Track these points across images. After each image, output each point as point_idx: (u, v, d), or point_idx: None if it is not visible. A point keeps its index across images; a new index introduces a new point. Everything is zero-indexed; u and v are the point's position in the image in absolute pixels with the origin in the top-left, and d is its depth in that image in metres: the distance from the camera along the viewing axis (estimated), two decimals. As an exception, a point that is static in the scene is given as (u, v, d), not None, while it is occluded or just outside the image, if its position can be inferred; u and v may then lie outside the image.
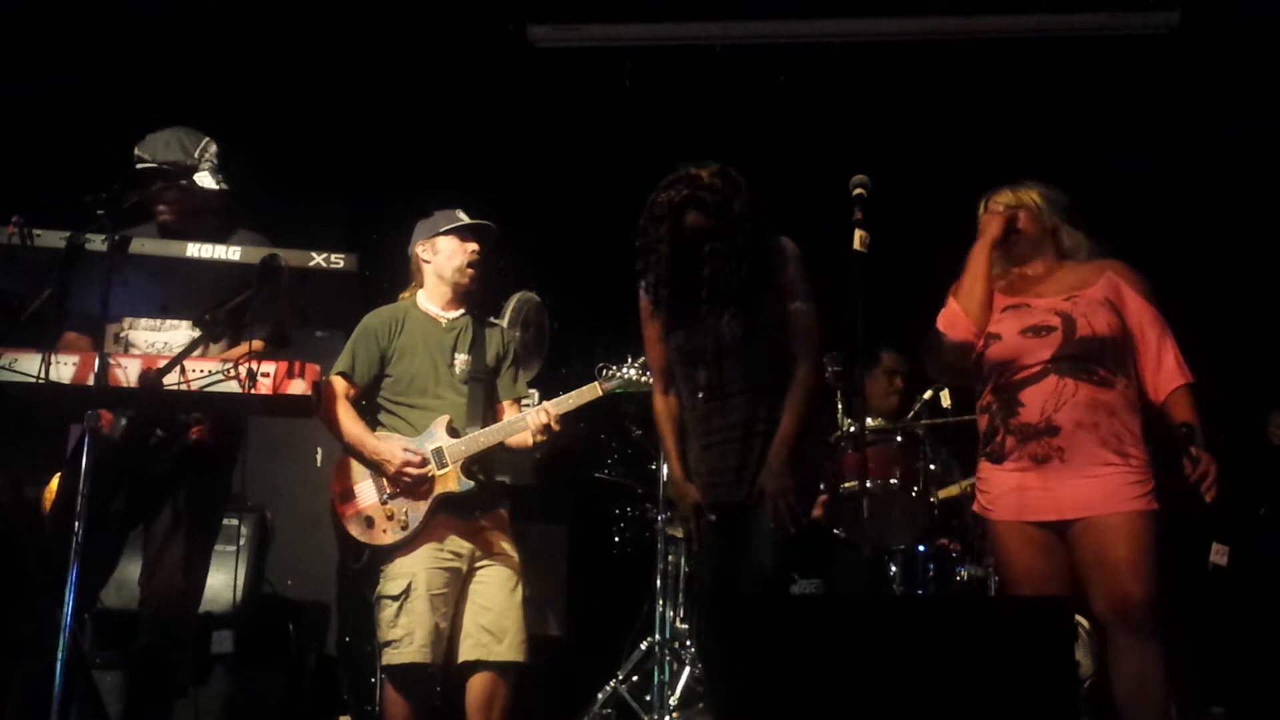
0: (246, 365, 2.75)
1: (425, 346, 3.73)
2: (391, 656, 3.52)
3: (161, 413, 3.17)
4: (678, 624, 4.65)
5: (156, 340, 3.26)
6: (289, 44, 5.49)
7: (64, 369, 2.73)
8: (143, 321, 3.31)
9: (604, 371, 3.80)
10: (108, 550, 3.22)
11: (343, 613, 4.78)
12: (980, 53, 5.52)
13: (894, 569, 4.50)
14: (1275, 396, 5.07)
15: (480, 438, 3.66)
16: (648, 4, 5.58)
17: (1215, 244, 5.38)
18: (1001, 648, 2.37)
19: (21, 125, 5.01)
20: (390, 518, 3.60)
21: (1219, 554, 4.18)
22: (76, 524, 2.59)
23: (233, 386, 2.76)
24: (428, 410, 3.67)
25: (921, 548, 4.59)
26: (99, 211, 2.79)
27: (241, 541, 4.07)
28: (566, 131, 5.79)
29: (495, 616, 3.60)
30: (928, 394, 4.70)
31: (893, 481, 4.46)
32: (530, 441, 3.69)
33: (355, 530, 3.62)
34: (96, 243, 2.74)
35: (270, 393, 2.78)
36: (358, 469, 3.66)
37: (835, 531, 4.45)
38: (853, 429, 4.53)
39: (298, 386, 2.82)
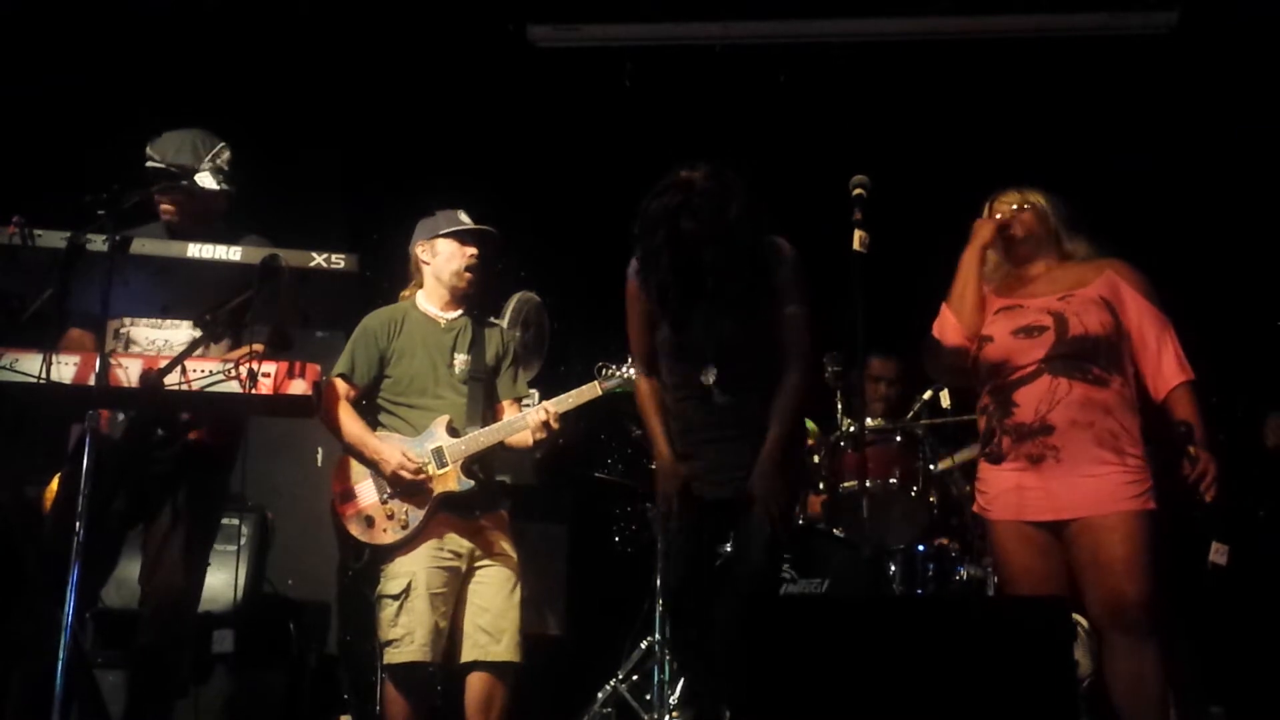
0: (247, 365, 2.75)
1: (425, 347, 3.73)
2: (392, 656, 3.53)
3: (162, 413, 3.17)
4: (678, 624, 4.64)
5: (157, 338, 3.26)
6: (289, 44, 5.49)
7: (65, 369, 2.74)
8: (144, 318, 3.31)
9: (604, 371, 3.81)
10: (108, 550, 3.22)
11: (343, 612, 4.78)
12: (980, 53, 5.51)
13: (894, 569, 4.49)
14: (1275, 396, 5.06)
15: (480, 437, 3.66)
16: (648, 4, 5.57)
17: (1215, 244, 5.38)
18: (1001, 648, 2.37)
19: (21, 125, 5.01)
20: (390, 517, 3.60)
21: (1219, 553, 4.17)
22: (77, 524, 2.60)
23: (233, 386, 2.77)
24: (428, 410, 3.68)
25: (921, 548, 4.59)
26: (99, 211, 2.80)
27: (242, 541, 4.07)
28: (566, 131, 5.78)
29: (493, 617, 3.61)
30: (928, 394, 4.70)
31: (892, 481, 4.46)
32: (530, 441, 3.70)
33: (355, 530, 3.62)
34: (97, 243, 2.74)
35: (271, 393, 2.79)
36: (358, 469, 3.66)
37: (835, 531, 4.45)
38: (853, 429, 4.53)
39: (298, 387, 2.83)
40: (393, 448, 3.59)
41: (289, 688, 4.39)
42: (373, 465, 3.62)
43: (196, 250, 2.84)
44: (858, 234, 3.05)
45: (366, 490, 3.64)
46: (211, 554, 3.44)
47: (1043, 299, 3.27)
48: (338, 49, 5.55)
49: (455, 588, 3.61)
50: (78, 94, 5.15)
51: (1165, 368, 3.18)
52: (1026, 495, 3.16)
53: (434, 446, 3.63)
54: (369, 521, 3.61)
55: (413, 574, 3.55)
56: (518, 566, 3.72)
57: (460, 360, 3.75)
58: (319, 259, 2.85)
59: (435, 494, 3.61)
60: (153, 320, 3.29)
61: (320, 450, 4.84)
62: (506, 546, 3.72)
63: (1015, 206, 3.36)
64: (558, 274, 5.53)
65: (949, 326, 3.34)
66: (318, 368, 2.91)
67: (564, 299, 5.35)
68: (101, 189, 2.84)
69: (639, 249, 3.18)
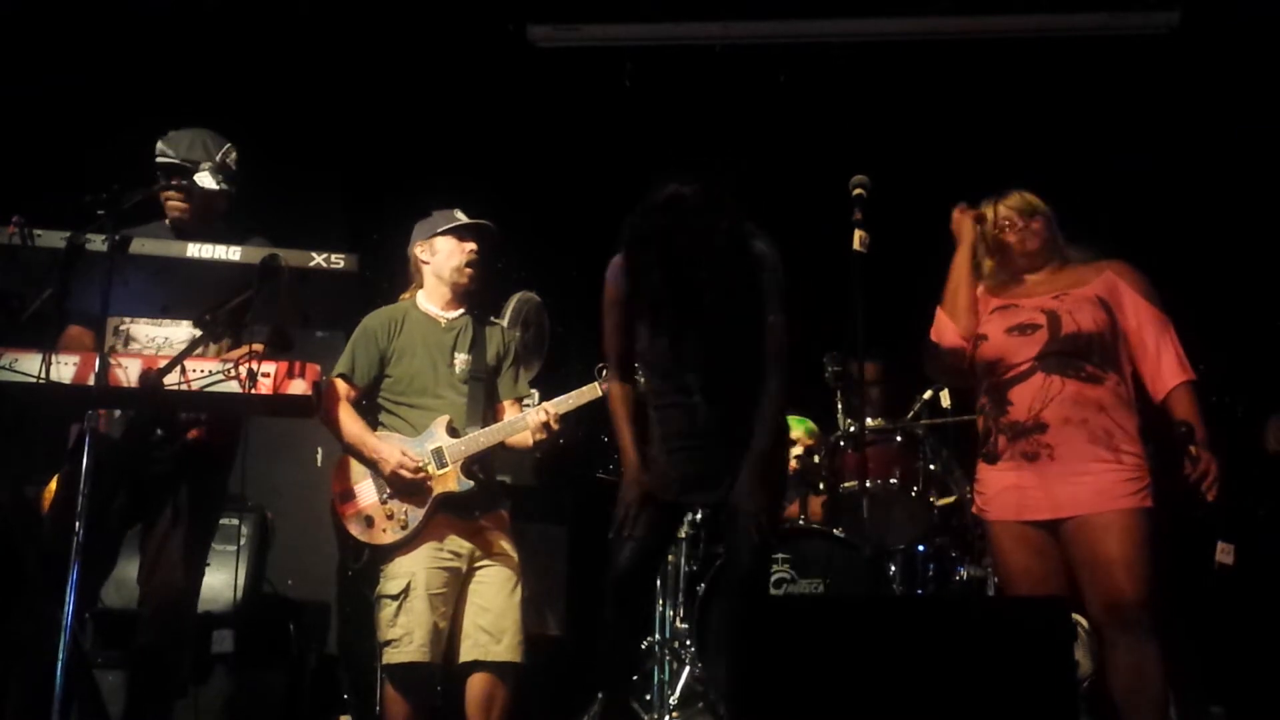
0: (247, 365, 2.75)
1: (425, 346, 3.73)
2: (391, 656, 3.52)
3: (162, 412, 3.17)
4: (678, 624, 4.64)
5: (158, 335, 3.26)
6: (289, 44, 5.49)
7: (64, 369, 2.73)
8: (144, 316, 3.32)
9: (604, 371, 3.80)
10: (107, 549, 3.22)
11: (343, 612, 4.78)
12: (980, 53, 5.51)
13: (894, 569, 4.49)
14: (1275, 396, 5.06)
15: (480, 438, 3.66)
16: (648, 4, 5.57)
17: (1215, 244, 5.38)
18: (1001, 648, 2.37)
19: (21, 125, 5.01)
20: (390, 517, 3.60)
21: (1225, 553, 4.17)
22: (76, 524, 2.59)
23: (233, 386, 2.76)
24: (428, 410, 3.68)
25: (921, 548, 4.59)
26: (99, 211, 2.80)
27: (242, 541, 4.07)
28: (566, 131, 5.78)
29: (494, 617, 3.61)
30: (928, 394, 4.70)
31: (892, 481, 4.46)
32: (530, 441, 3.70)
33: (355, 530, 3.62)
34: (97, 243, 2.74)
35: (270, 393, 2.78)
36: (358, 469, 3.66)
37: (835, 531, 4.45)
38: (853, 429, 4.53)
39: (298, 386, 2.83)
40: (392, 447, 3.59)
41: (289, 688, 4.39)
42: (372, 465, 3.62)
43: (196, 250, 2.84)
44: (858, 234, 3.06)
45: (366, 490, 3.64)
46: (211, 554, 3.44)
47: (1038, 298, 3.27)
48: (338, 49, 5.55)
49: (455, 588, 3.61)
50: (78, 94, 5.15)
51: (1165, 367, 3.18)
52: (1024, 495, 3.17)
53: (434, 447, 3.63)
54: (369, 521, 3.61)
55: (412, 574, 3.55)
56: (518, 566, 3.71)
57: (461, 360, 3.75)
58: (319, 259, 2.85)
59: (435, 494, 3.61)
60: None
61: (320, 450, 4.84)
62: (507, 546, 3.72)
63: (1020, 212, 3.36)
64: (558, 274, 5.53)
65: (945, 329, 3.36)
66: (318, 368, 2.91)
67: (564, 299, 5.35)
68: (101, 189, 2.83)
69: (626, 261, 3.16)
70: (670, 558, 4.84)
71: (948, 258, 3.46)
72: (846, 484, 4.51)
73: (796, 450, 4.99)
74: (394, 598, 3.54)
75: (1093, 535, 3.05)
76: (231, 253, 2.83)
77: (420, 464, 3.59)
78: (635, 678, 4.69)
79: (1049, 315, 3.21)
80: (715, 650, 4.33)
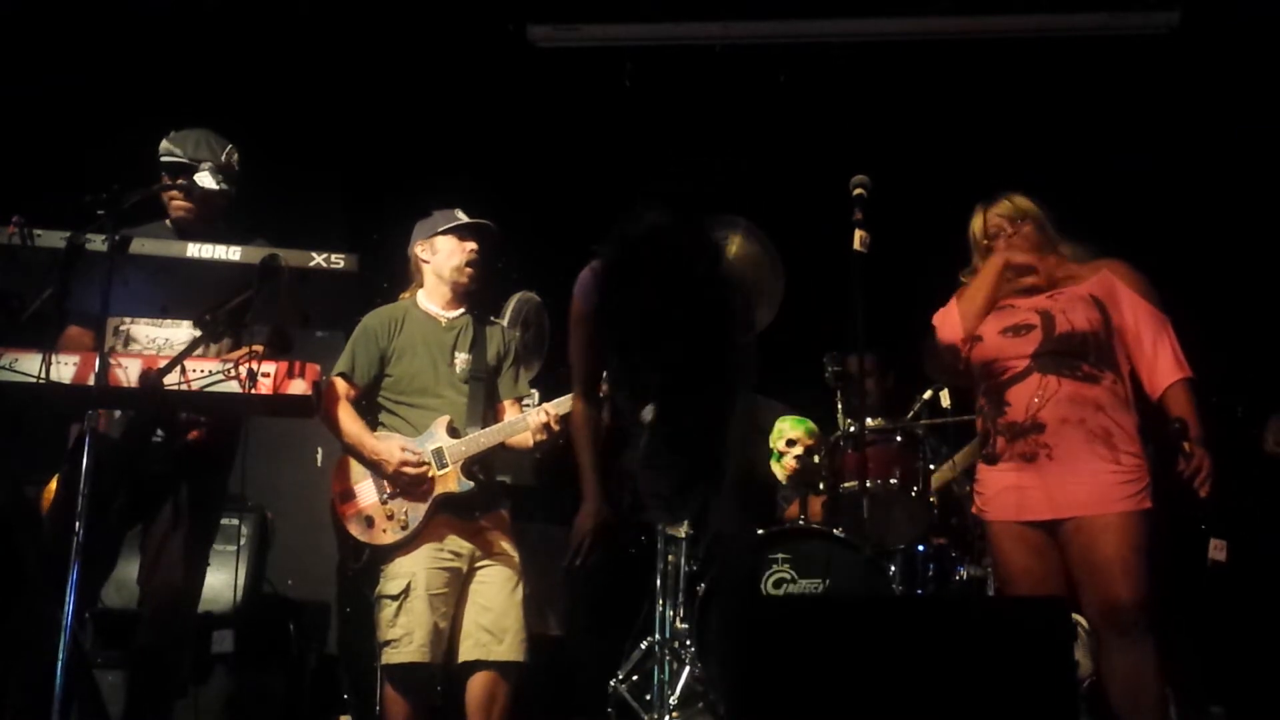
0: (247, 365, 2.75)
1: (425, 346, 3.73)
2: (391, 656, 3.52)
3: (162, 412, 3.17)
4: (678, 624, 4.64)
5: (158, 335, 3.26)
6: (289, 44, 5.48)
7: (64, 369, 2.73)
8: (144, 315, 3.32)
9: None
10: (107, 549, 3.22)
11: (343, 613, 4.77)
12: (980, 53, 5.51)
13: (893, 569, 4.49)
14: (1275, 397, 5.06)
15: (481, 438, 3.66)
16: (648, 4, 5.57)
17: (1215, 244, 5.38)
18: (1001, 648, 2.37)
19: (21, 125, 5.01)
20: (390, 517, 3.60)
21: (1218, 549, 4.18)
22: (76, 523, 2.59)
23: (233, 386, 2.76)
24: (428, 410, 3.68)
25: (921, 548, 4.58)
26: (99, 211, 2.80)
27: (241, 541, 4.08)
28: (566, 131, 5.78)
29: (495, 616, 3.61)
30: (928, 394, 4.70)
31: (892, 481, 4.45)
32: (531, 442, 3.70)
33: (355, 530, 3.62)
34: (97, 243, 2.74)
35: (270, 393, 2.78)
36: (358, 469, 3.66)
37: (835, 531, 4.45)
38: (853, 429, 4.52)
39: (298, 386, 2.83)
40: (392, 447, 3.59)
41: (289, 688, 4.39)
42: (372, 465, 3.62)
43: (196, 250, 2.84)
44: (858, 234, 3.06)
45: (366, 490, 3.64)
46: (211, 554, 3.44)
47: (1033, 298, 3.28)
48: (338, 49, 5.55)
49: (455, 588, 3.61)
50: (78, 94, 5.15)
51: (1161, 365, 3.19)
52: (1023, 495, 3.17)
53: (434, 447, 3.63)
54: (369, 522, 3.61)
55: (412, 574, 3.55)
56: (519, 566, 3.72)
57: (461, 359, 3.75)
58: (319, 259, 2.85)
59: (435, 494, 3.61)
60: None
61: (320, 450, 4.84)
62: (507, 546, 3.72)
63: (1009, 218, 3.35)
64: (558, 274, 5.52)
65: (950, 321, 3.33)
66: (318, 368, 2.91)
67: (564, 299, 5.34)
68: (101, 189, 2.83)
69: (602, 286, 3.13)
70: (670, 558, 4.84)
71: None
72: (846, 484, 4.50)
73: (796, 450, 4.99)
74: (394, 598, 3.54)
75: (1091, 537, 3.05)
76: (231, 253, 2.83)
77: (421, 464, 3.58)
78: (635, 677, 4.69)
79: (1043, 315, 3.21)
80: (715, 651, 4.33)
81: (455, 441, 3.64)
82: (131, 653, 3.35)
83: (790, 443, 4.98)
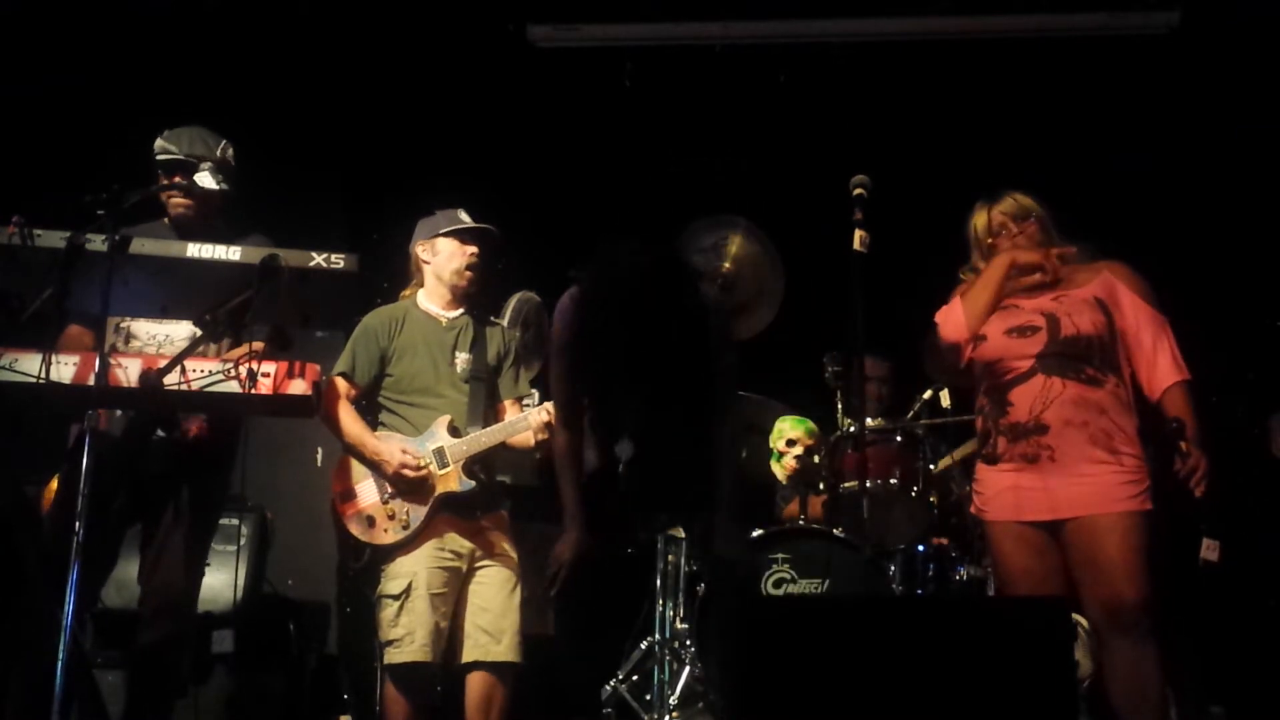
0: (247, 365, 2.75)
1: (426, 345, 3.73)
2: (392, 656, 3.52)
3: (161, 412, 3.17)
4: (678, 624, 4.64)
5: (158, 332, 3.26)
6: (289, 44, 5.49)
7: (64, 369, 2.73)
8: (144, 313, 3.32)
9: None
10: (107, 549, 3.22)
11: (343, 613, 4.77)
12: (980, 53, 5.51)
13: (893, 569, 4.49)
14: (1275, 396, 5.06)
15: (482, 438, 3.66)
16: (648, 4, 5.57)
17: (1215, 244, 5.38)
18: (1001, 648, 2.37)
19: (21, 125, 5.01)
20: (391, 517, 3.60)
21: (1210, 549, 4.19)
22: (76, 523, 2.59)
23: (233, 386, 2.76)
24: (429, 409, 3.68)
25: (921, 548, 4.58)
26: (99, 211, 2.80)
27: (242, 541, 4.08)
28: (566, 131, 5.78)
29: (493, 617, 3.61)
30: (928, 394, 4.70)
31: (893, 481, 4.45)
32: (532, 442, 3.71)
33: (356, 529, 3.62)
34: (97, 242, 2.74)
35: (270, 393, 2.78)
36: (358, 468, 3.66)
37: (835, 531, 4.45)
38: (853, 429, 4.52)
39: (298, 386, 2.82)
40: (393, 447, 3.59)
41: (289, 688, 4.39)
42: (373, 465, 3.62)
43: (196, 250, 2.84)
44: (858, 234, 3.05)
45: (367, 490, 3.64)
46: (211, 554, 3.44)
47: (1037, 299, 3.27)
48: (338, 49, 5.55)
49: (456, 588, 3.61)
50: (78, 94, 5.15)
51: (1160, 367, 3.19)
52: (1023, 495, 3.17)
53: (435, 447, 3.63)
54: (369, 521, 3.61)
55: (413, 574, 3.55)
56: (518, 567, 3.72)
57: (462, 359, 3.75)
58: (319, 259, 2.85)
59: (437, 494, 3.61)
60: (153, 315, 3.30)
61: (320, 450, 4.84)
62: (507, 547, 3.72)
63: (1013, 216, 3.35)
64: (558, 274, 5.52)
65: (954, 319, 3.32)
66: (317, 367, 2.91)
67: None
68: (101, 189, 2.83)
69: (582, 319, 3.12)
70: (670, 557, 4.84)
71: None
72: (846, 484, 4.50)
73: (796, 450, 4.99)
74: (395, 597, 3.54)
75: (1092, 537, 3.05)
76: (231, 253, 2.83)
77: (423, 463, 3.59)
78: (635, 678, 4.69)
79: (1048, 317, 3.21)
80: (715, 651, 4.33)
81: (456, 441, 3.64)
82: (131, 653, 3.35)
83: (790, 443, 4.98)
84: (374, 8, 5.51)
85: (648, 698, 4.58)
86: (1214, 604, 4.39)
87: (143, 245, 2.80)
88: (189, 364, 2.78)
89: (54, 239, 2.74)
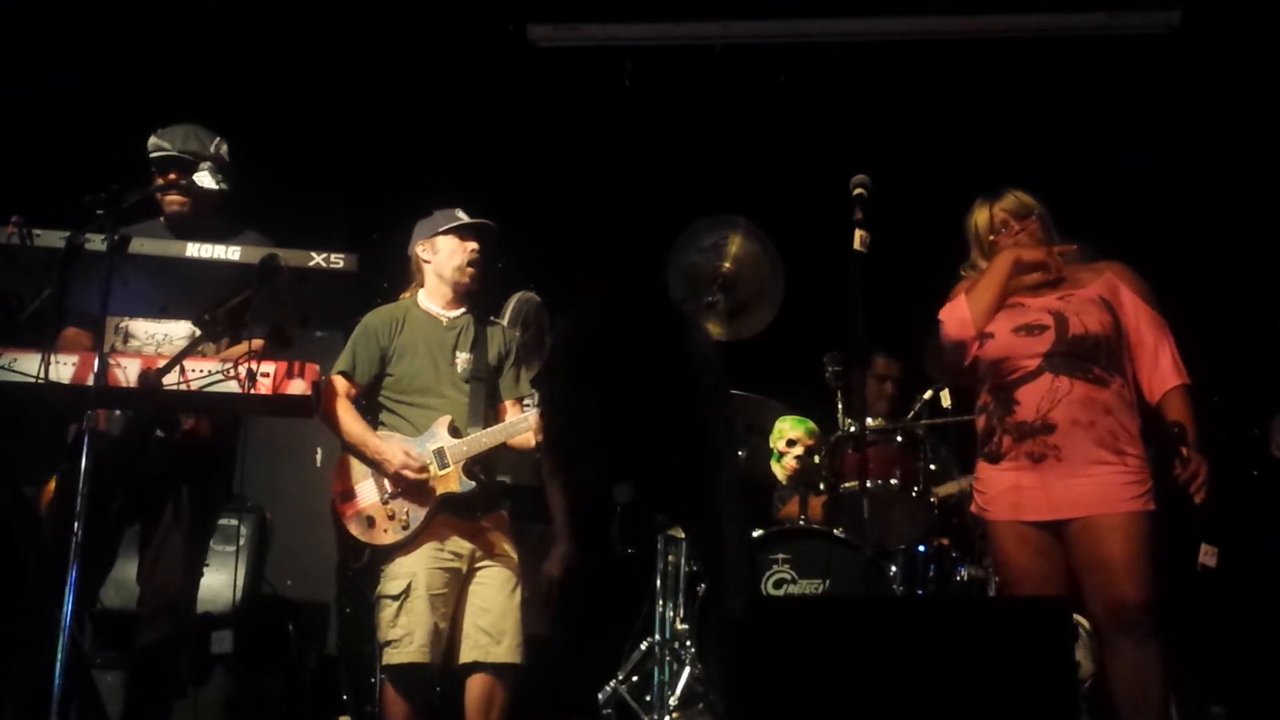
0: (246, 365, 2.75)
1: (426, 345, 3.73)
2: (391, 656, 3.52)
3: (161, 412, 3.17)
4: (678, 624, 4.64)
5: (157, 332, 3.26)
6: (289, 44, 5.48)
7: (63, 369, 2.73)
8: (143, 312, 3.31)
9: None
10: (106, 549, 3.22)
11: (342, 613, 4.77)
12: (980, 53, 5.51)
13: (894, 569, 4.49)
14: (1275, 396, 5.06)
15: (482, 438, 3.66)
16: (648, 4, 5.57)
17: (1215, 244, 5.38)
18: (1001, 648, 2.36)
19: (21, 125, 5.01)
20: (391, 517, 3.60)
21: (1208, 555, 4.19)
22: (76, 523, 2.59)
23: (233, 386, 2.76)
24: (429, 409, 3.67)
25: (921, 548, 4.58)
26: (99, 211, 2.80)
27: (241, 541, 4.08)
28: (566, 131, 5.78)
29: (494, 618, 3.61)
30: (928, 394, 4.70)
31: (893, 481, 4.46)
32: (533, 441, 3.70)
33: (356, 530, 3.62)
34: (96, 242, 2.74)
35: (270, 393, 2.79)
36: (358, 468, 3.66)
37: (835, 531, 4.45)
38: (853, 429, 4.52)
39: (298, 386, 2.83)
40: (394, 448, 3.59)
41: (288, 688, 4.40)
42: (375, 465, 3.61)
43: (195, 250, 2.84)
44: (858, 234, 3.06)
45: (367, 490, 3.64)
46: (211, 554, 3.44)
47: (1043, 298, 3.27)
48: (338, 49, 5.55)
49: (455, 589, 3.61)
50: (78, 94, 5.15)
51: (1161, 370, 3.19)
52: (1024, 495, 3.16)
53: (436, 447, 3.62)
54: (369, 521, 3.61)
55: (413, 574, 3.54)
56: (518, 567, 3.71)
57: (462, 359, 3.75)
58: (318, 259, 2.85)
59: (437, 495, 3.60)
60: (152, 314, 3.30)
61: (320, 450, 4.84)
62: (507, 547, 3.72)
63: (1015, 214, 3.35)
64: (558, 274, 5.53)
65: (958, 316, 3.31)
66: (317, 367, 2.91)
67: (564, 299, 5.34)
68: (101, 189, 2.83)
69: (570, 361, 3.11)
70: (670, 558, 4.84)
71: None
72: (846, 484, 4.51)
73: (797, 450, 4.99)
74: (395, 598, 3.53)
75: (1096, 537, 3.05)
76: (231, 252, 2.83)
77: (424, 464, 3.58)
78: (635, 678, 4.69)
79: (1056, 316, 3.20)
80: (715, 651, 4.33)
81: (457, 441, 3.63)
82: (130, 653, 3.34)
83: (790, 443, 4.98)
84: (374, 8, 5.51)
85: (648, 698, 4.58)
86: (1215, 605, 4.38)
87: (142, 245, 2.81)
88: (188, 364, 2.78)
89: (53, 239, 2.74)
